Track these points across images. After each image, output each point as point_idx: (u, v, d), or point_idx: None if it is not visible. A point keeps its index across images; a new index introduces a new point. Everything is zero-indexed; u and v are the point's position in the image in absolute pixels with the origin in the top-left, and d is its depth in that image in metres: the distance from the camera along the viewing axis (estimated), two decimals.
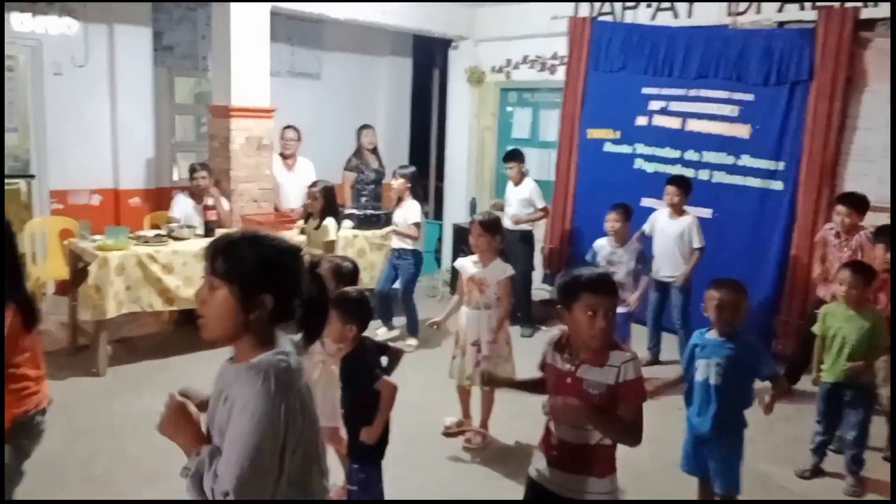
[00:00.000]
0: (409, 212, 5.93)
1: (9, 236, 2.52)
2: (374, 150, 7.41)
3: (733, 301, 3.12)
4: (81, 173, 6.64)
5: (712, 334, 3.22)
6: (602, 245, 5.27)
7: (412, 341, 5.93)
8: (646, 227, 5.76)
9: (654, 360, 5.83)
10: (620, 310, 4.97)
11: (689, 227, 5.48)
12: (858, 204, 4.92)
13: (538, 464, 2.52)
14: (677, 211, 5.55)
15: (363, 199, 7.09)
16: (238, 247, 1.63)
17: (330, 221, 5.57)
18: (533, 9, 7.53)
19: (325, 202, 5.60)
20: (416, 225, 5.92)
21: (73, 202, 6.67)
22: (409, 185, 5.95)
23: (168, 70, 7.30)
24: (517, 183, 6.53)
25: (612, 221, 5.16)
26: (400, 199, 5.99)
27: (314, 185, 5.74)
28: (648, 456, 4.02)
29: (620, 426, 2.33)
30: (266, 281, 1.61)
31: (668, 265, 5.59)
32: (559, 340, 2.51)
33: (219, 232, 5.75)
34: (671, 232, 5.54)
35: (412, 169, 6.17)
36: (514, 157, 6.53)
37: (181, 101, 7.64)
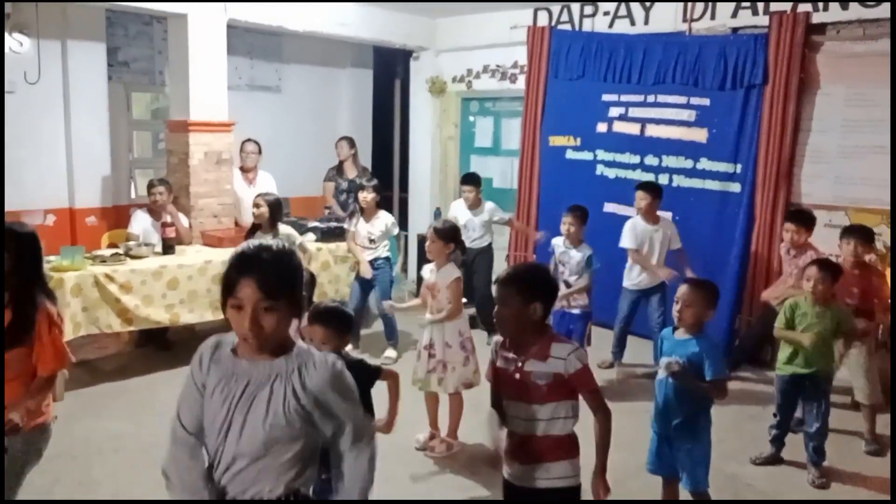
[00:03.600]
0: (383, 223, 5.90)
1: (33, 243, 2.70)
2: (354, 160, 7.37)
3: (697, 299, 3.14)
4: (35, 193, 6.46)
5: (679, 333, 3.25)
6: (557, 243, 5.33)
7: (391, 353, 5.89)
8: (629, 243, 5.55)
9: (617, 363, 5.85)
10: (574, 311, 5.12)
11: (671, 230, 5.53)
12: (805, 221, 4.99)
13: (506, 463, 2.63)
14: (652, 217, 5.51)
15: (350, 209, 7.02)
16: (276, 266, 1.78)
17: (285, 228, 5.54)
18: (492, 19, 7.58)
19: (272, 212, 5.48)
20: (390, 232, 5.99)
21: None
22: (378, 197, 5.92)
23: (124, 86, 7.17)
24: (473, 207, 6.33)
25: (567, 224, 5.19)
26: (371, 212, 5.91)
27: (259, 196, 5.64)
28: (622, 462, 4.03)
29: (604, 429, 2.53)
30: (300, 283, 1.85)
31: (651, 273, 5.52)
32: (502, 343, 2.62)
33: (178, 249, 5.66)
34: (657, 239, 5.50)
35: (374, 182, 6.15)
36: (472, 180, 6.34)
37: (138, 117, 7.52)
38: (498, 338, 2.66)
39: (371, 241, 5.88)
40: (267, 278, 1.73)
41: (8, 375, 2.59)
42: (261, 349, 1.80)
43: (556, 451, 2.50)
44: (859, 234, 4.58)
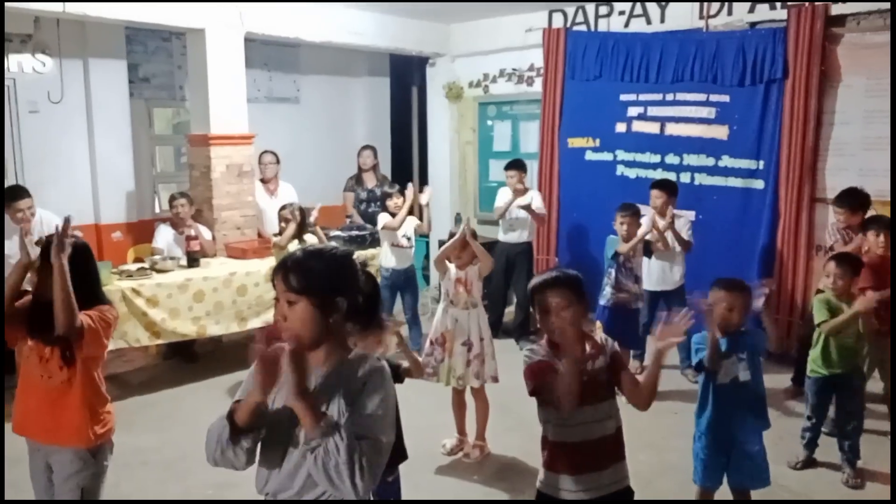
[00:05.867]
0: (412, 222, 5.98)
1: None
2: (374, 170, 7.39)
3: (738, 301, 3.14)
4: (60, 211, 6.54)
5: (718, 334, 3.10)
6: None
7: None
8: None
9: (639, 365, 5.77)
10: (638, 305, 5.22)
11: (683, 227, 5.47)
12: (853, 201, 4.88)
13: (551, 479, 2.48)
14: (662, 214, 5.46)
15: (369, 217, 7.05)
16: (307, 261, 1.82)
17: (310, 237, 5.56)
18: (507, 22, 7.57)
19: (299, 222, 5.53)
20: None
21: None
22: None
23: (145, 102, 7.26)
24: (519, 193, 6.33)
25: (626, 225, 5.15)
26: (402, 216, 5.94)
27: (283, 208, 5.64)
28: (648, 462, 4.02)
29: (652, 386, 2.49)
30: (337, 285, 1.81)
31: (663, 268, 5.52)
32: (548, 348, 2.48)
33: (203, 262, 5.71)
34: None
35: (397, 187, 6.23)
36: (513, 165, 6.39)
37: (160, 133, 7.60)
38: (536, 347, 2.52)
39: (408, 239, 5.92)
40: (291, 272, 1.78)
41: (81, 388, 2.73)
42: (290, 343, 1.71)
43: (620, 448, 2.51)
44: (885, 225, 4.42)
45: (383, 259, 6.00)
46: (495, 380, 4.26)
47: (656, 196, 5.48)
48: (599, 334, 2.59)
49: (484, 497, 3.90)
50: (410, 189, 5.95)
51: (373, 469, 1.66)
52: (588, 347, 2.48)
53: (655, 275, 5.52)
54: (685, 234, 5.45)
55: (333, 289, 1.80)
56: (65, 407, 2.72)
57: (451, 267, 4.31)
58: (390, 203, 5.91)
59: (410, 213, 5.93)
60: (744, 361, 3.13)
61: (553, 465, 2.48)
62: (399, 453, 3.03)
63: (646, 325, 5.68)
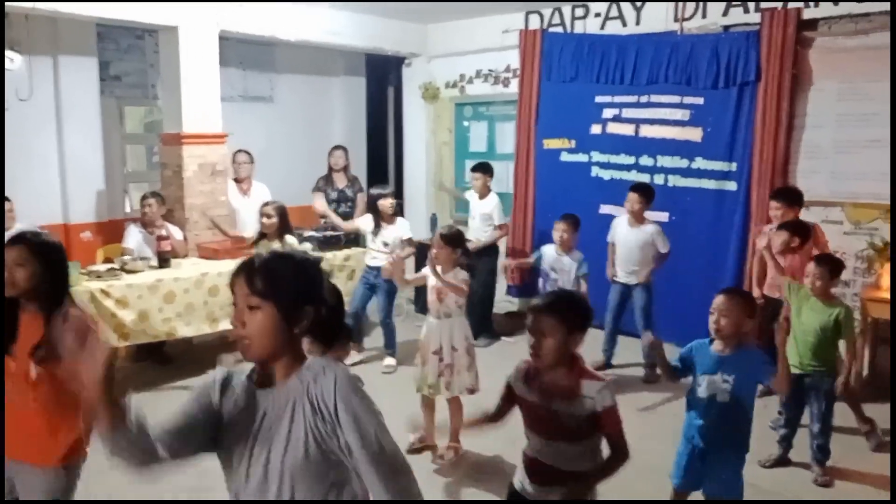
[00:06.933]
0: (400, 229, 5.90)
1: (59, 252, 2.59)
2: (345, 170, 7.33)
3: (733, 307, 2.96)
4: (29, 209, 6.43)
5: (717, 346, 3.05)
6: (548, 252, 5.40)
7: (391, 361, 5.87)
8: (609, 237, 5.80)
9: (607, 364, 5.84)
10: None
11: (653, 236, 5.53)
12: (790, 198, 4.98)
13: (520, 476, 2.54)
14: (638, 219, 5.57)
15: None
16: (276, 264, 1.67)
17: (291, 238, 5.52)
18: (484, 23, 7.57)
19: (281, 220, 5.53)
20: (410, 240, 5.94)
21: None
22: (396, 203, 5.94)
23: (117, 100, 7.15)
24: (482, 196, 6.53)
25: (560, 231, 5.28)
26: (389, 218, 5.90)
27: (266, 204, 5.68)
28: (629, 463, 4.02)
29: (615, 465, 2.41)
30: (307, 293, 1.68)
31: (629, 271, 5.63)
32: (526, 372, 2.51)
33: (174, 263, 5.63)
34: (634, 240, 5.57)
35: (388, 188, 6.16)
36: (481, 168, 6.55)
37: (131, 131, 7.50)
38: (521, 364, 2.56)
39: (385, 244, 5.85)
40: (255, 275, 1.62)
41: (48, 396, 2.47)
42: (249, 354, 1.66)
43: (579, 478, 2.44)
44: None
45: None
46: (471, 391, 4.22)
47: (635, 200, 5.52)
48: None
49: (464, 497, 3.89)
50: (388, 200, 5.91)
51: (406, 482, 1.65)
52: (564, 383, 2.38)
53: (626, 269, 5.63)
54: (662, 243, 5.54)
55: (302, 296, 1.66)
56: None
57: (430, 276, 4.28)
58: (381, 203, 5.82)
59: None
60: (728, 384, 2.97)
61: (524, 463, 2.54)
62: None
63: (614, 322, 5.75)
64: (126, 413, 1.64)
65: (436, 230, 4.41)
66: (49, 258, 2.53)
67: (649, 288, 5.60)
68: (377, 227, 5.85)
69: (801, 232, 4.22)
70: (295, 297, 1.65)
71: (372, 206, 5.95)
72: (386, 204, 5.82)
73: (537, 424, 2.45)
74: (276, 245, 5.48)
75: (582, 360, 2.47)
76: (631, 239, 5.59)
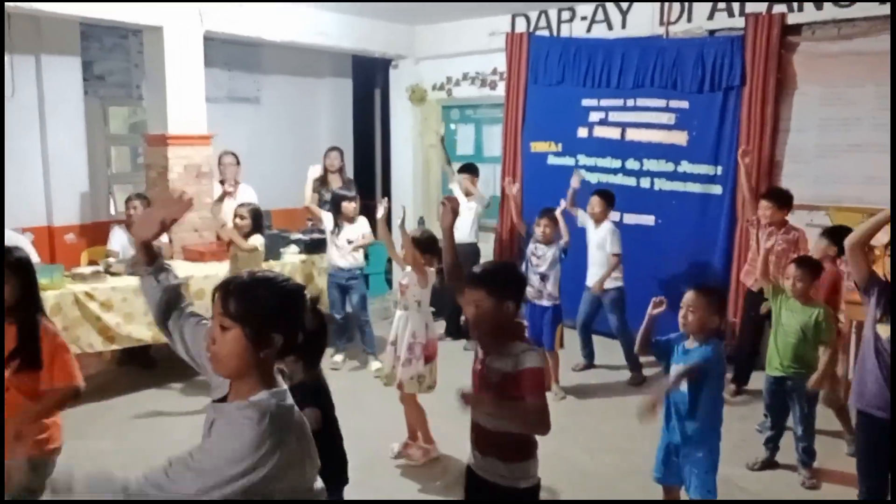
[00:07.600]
0: (362, 227, 5.94)
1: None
2: (340, 172, 7.30)
3: (701, 304, 3.07)
4: (11, 211, 6.36)
5: (689, 342, 3.15)
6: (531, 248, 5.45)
7: (377, 364, 5.85)
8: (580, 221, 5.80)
9: (590, 365, 5.89)
10: (544, 303, 5.22)
11: (606, 235, 5.54)
12: (780, 198, 5.04)
13: (470, 448, 2.61)
14: (598, 220, 5.62)
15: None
16: (251, 289, 1.68)
17: (256, 237, 5.49)
18: (471, 26, 7.57)
19: (254, 222, 5.51)
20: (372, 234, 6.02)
21: None
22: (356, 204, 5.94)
23: (100, 100, 7.10)
24: (467, 194, 6.57)
25: (543, 226, 5.31)
26: (350, 219, 5.92)
27: (242, 205, 5.65)
28: (613, 465, 4.04)
29: (521, 414, 2.37)
30: (277, 321, 1.67)
31: (594, 273, 5.64)
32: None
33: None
34: (594, 241, 5.63)
35: (354, 192, 6.16)
36: (466, 169, 6.68)
37: (116, 132, 7.43)
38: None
39: (349, 241, 5.88)
40: (230, 296, 1.65)
41: (15, 399, 2.58)
42: (215, 368, 1.69)
43: (511, 451, 2.46)
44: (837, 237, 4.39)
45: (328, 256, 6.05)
46: (399, 387, 4.22)
47: (595, 203, 5.58)
48: None
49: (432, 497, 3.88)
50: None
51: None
52: (497, 345, 2.47)
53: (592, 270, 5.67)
54: (612, 243, 5.49)
55: (271, 324, 1.66)
56: None
57: (403, 276, 4.41)
58: (344, 205, 5.82)
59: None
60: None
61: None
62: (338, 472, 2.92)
63: (585, 324, 5.78)
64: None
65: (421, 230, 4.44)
66: (25, 272, 2.64)
67: (617, 298, 5.55)
68: (337, 226, 5.87)
69: (841, 240, 4.17)
70: (265, 324, 1.65)
71: (334, 206, 5.94)
72: (350, 207, 5.87)
73: (473, 377, 2.57)
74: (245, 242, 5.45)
75: (524, 328, 2.62)
76: (592, 239, 5.64)
